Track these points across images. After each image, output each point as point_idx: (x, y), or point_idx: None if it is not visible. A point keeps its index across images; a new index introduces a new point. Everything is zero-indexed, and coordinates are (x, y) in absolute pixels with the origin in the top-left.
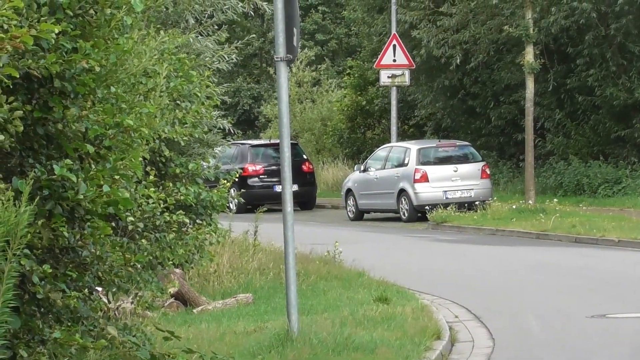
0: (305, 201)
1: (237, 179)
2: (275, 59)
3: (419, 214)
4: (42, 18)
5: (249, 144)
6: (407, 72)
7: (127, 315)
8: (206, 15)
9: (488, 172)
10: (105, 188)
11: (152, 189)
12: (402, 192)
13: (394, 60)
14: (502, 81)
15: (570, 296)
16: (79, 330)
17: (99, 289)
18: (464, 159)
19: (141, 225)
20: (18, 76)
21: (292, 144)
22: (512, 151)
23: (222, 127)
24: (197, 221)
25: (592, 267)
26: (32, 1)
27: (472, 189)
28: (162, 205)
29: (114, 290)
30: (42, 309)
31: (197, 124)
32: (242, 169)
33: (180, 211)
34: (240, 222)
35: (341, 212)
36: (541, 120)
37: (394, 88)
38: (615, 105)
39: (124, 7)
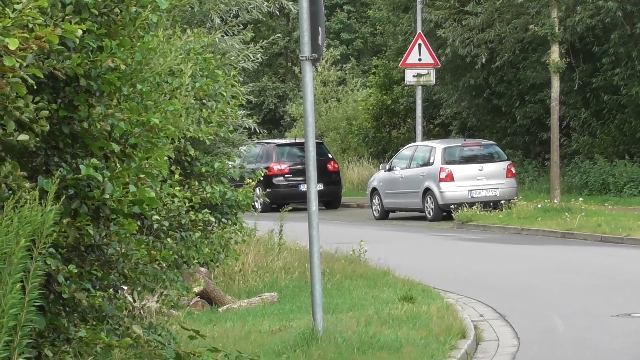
0: (331, 200)
1: (262, 178)
2: (301, 58)
3: (444, 213)
4: (67, 17)
5: (274, 143)
6: (432, 71)
7: (152, 314)
8: (231, 14)
9: (513, 171)
10: (132, 188)
11: (178, 188)
12: (427, 191)
13: (420, 60)
14: (528, 80)
15: (595, 295)
16: (104, 329)
17: (125, 287)
18: (489, 158)
19: (166, 224)
20: (42, 77)
21: (317, 143)
22: (538, 150)
23: (247, 127)
24: (223, 220)
25: (618, 266)
26: (56, 0)
27: (498, 188)
28: (187, 204)
29: (139, 289)
30: (67, 308)
31: (223, 123)
32: (267, 168)
33: (206, 210)
34: (266, 221)
35: (366, 211)
36: (566, 119)
37: (419, 87)
38: None
39: (149, 5)
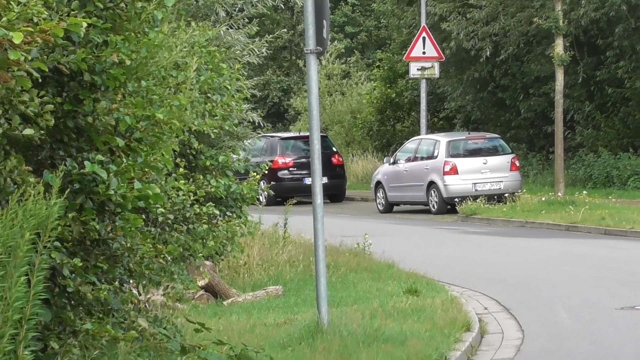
0: (335, 194)
1: (266, 172)
2: (305, 52)
3: (449, 206)
4: (72, 11)
5: (279, 136)
6: (436, 65)
7: (157, 307)
8: (236, 8)
9: (517, 165)
10: (137, 184)
11: (182, 181)
12: (431, 184)
13: (424, 53)
14: (532, 73)
15: (599, 288)
16: (110, 322)
17: (130, 281)
18: (494, 151)
19: (171, 217)
20: (47, 70)
21: (321, 136)
22: (542, 143)
23: (251, 120)
24: (227, 213)
25: (622, 259)
26: None
27: (502, 181)
28: (192, 198)
29: (144, 282)
30: (72, 302)
31: (227, 117)
32: (271, 161)
33: (210, 203)
34: (270, 214)
35: (371, 204)
36: (571, 112)
37: (424, 80)
38: None
39: (154, 0)
